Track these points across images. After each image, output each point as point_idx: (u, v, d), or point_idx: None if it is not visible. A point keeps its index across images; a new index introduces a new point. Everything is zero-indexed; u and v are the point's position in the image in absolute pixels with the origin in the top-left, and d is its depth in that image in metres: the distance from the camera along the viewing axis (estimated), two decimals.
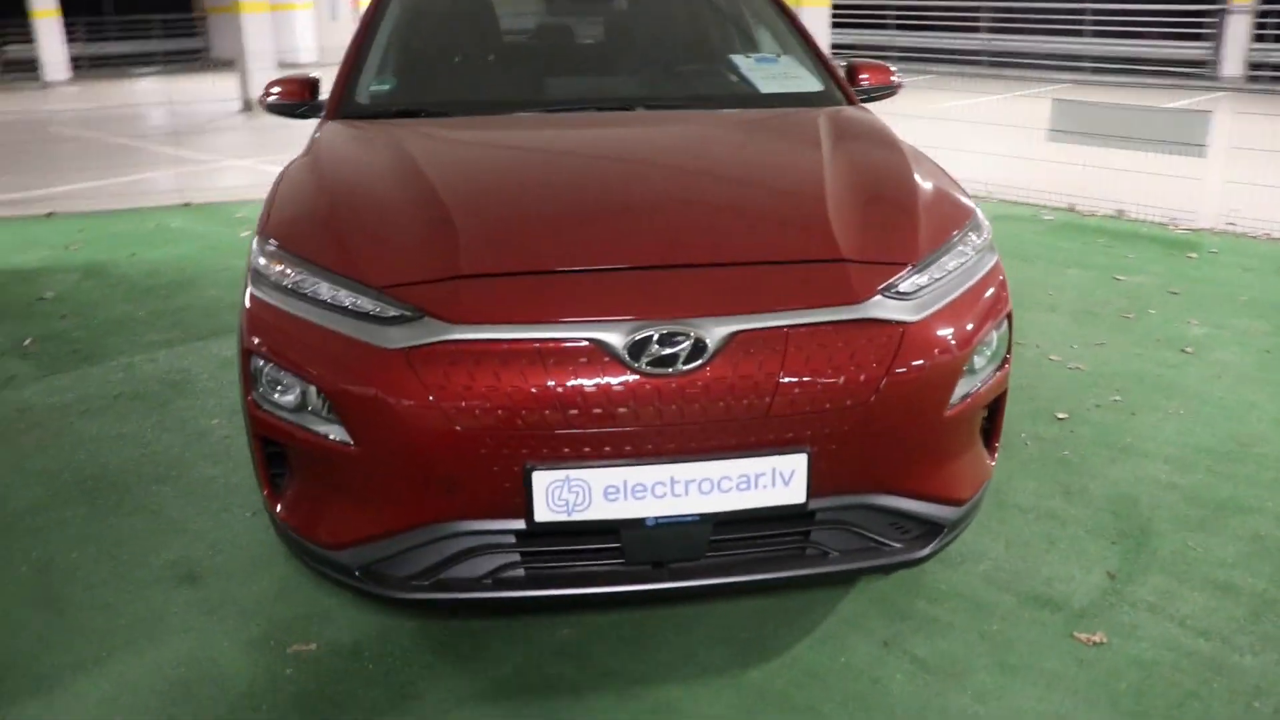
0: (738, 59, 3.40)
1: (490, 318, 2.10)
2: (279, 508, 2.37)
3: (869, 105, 3.46)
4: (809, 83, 3.33)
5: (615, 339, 2.06)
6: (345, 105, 3.15)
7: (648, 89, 3.36)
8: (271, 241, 2.39)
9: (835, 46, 17.35)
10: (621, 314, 2.09)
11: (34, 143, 10.34)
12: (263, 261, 2.37)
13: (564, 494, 2.10)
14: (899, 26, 16.87)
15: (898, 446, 2.24)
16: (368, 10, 3.50)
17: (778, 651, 2.47)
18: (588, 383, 2.05)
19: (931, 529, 2.36)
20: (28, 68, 18.03)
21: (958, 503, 2.37)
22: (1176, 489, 3.20)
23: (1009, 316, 2.46)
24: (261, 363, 2.27)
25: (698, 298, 2.14)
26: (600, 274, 2.20)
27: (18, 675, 2.43)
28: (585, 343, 2.07)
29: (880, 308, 2.18)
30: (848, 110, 3.19)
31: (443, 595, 2.22)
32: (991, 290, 2.42)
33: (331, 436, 2.19)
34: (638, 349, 2.06)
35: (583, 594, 2.22)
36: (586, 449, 2.08)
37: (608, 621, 2.57)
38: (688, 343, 2.07)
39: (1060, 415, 3.72)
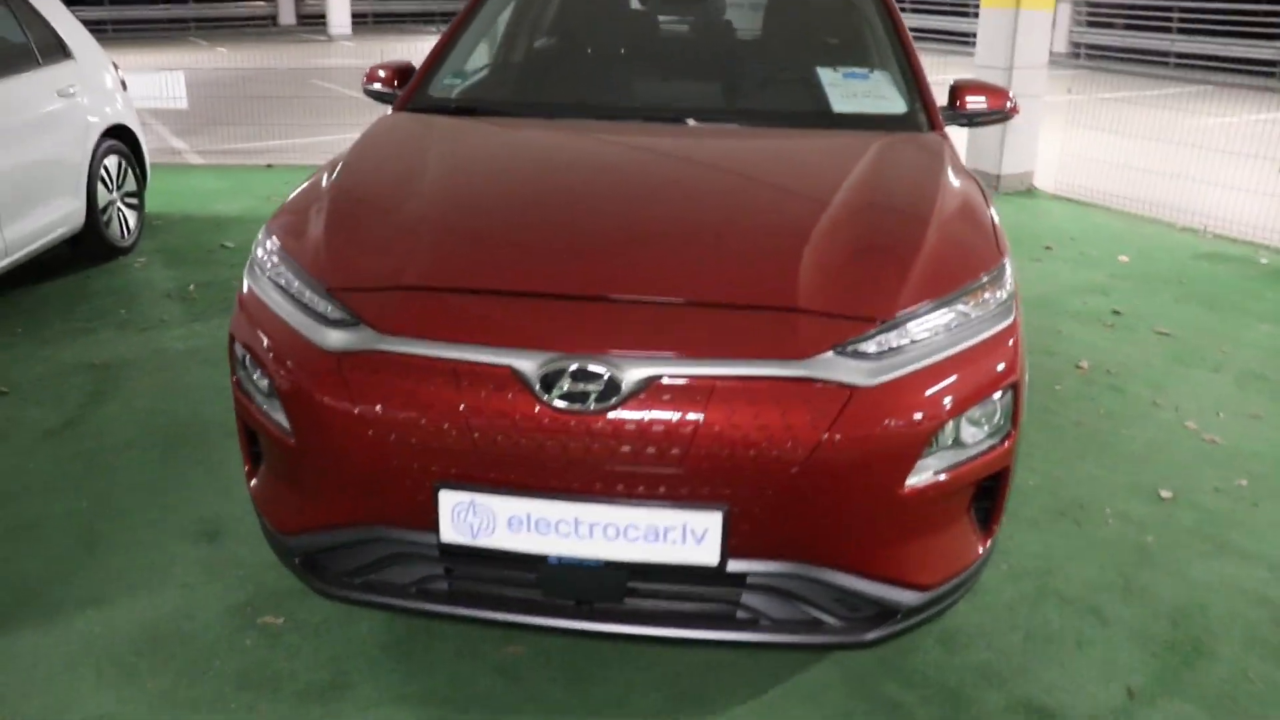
0: (825, 72, 3.18)
1: (417, 332, 2.09)
2: (252, 483, 2.48)
3: (984, 128, 3.19)
4: (892, 104, 3.07)
5: (529, 369, 2.00)
6: (414, 97, 3.21)
7: (711, 101, 3.21)
8: (270, 233, 2.48)
9: (1092, 48, 16.08)
10: (540, 344, 2.02)
11: (290, 96, 11.28)
12: (259, 252, 2.46)
13: (469, 517, 2.06)
14: (1181, 30, 15.30)
15: (836, 518, 2.04)
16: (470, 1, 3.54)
17: (714, 712, 2.34)
18: (499, 410, 2.00)
19: (885, 612, 2.15)
20: (319, 21, 19.82)
21: (919, 587, 2.14)
22: (1267, 605, 2.74)
23: (1015, 387, 2.17)
24: (239, 348, 2.37)
25: (622, 335, 2.03)
26: (535, 300, 2.13)
27: (32, 603, 2.68)
28: (501, 368, 2.01)
29: (825, 367, 1.99)
30: (918, 138, 2.92)
31: (369, 597, 2.24)
32: (993, 357, 2.15)
33: (284, 427, 2.26)
34: (550, 381, 1.98)
35: (500, 619, 2.18)
36: (493, 475, 2.03)
37: (558, 645, 2.52)
38: (601, 382, 1.97)
39: (1164, 494, 3.28)
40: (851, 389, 1.98)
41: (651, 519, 2.00)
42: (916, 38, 3.55)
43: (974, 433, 2.14)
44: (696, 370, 1.98)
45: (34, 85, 5.05)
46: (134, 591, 2.73)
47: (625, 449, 1.97)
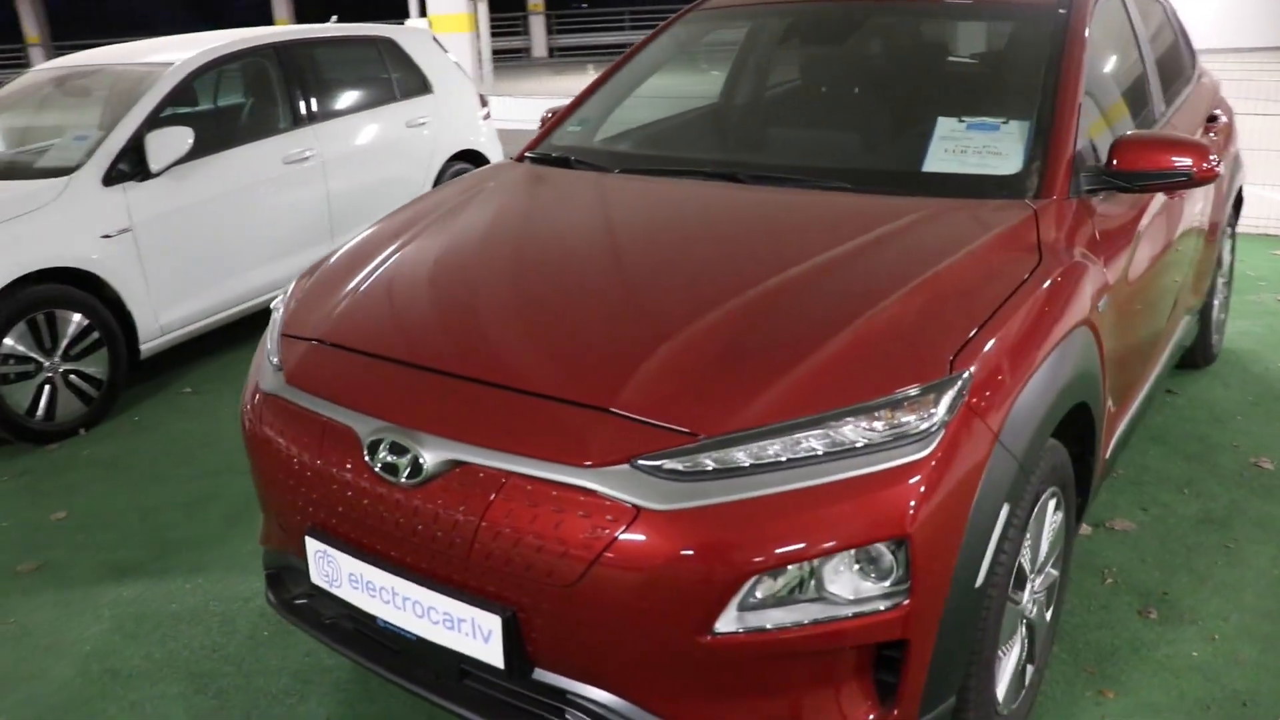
0: (945, 122, 2.69)
1: (301, 383, 2.17)
2: None
3: (1148, 193, 2.56)
4: (1002, 163, 2.52)
5: (362, 433, 1.99)
6: (536, 144, 3.26)
7: (790, 157, 2.85)
8: (301, 273, 2.70)
9: None
10: (376, 410, 2.00)
11: None
12: (292, 285, 2.70)
13: (325, 566, 2.11)
14: None
15: (630, 653, 1.78)
16: (634, 47, 3.51)
17: None
18: (343, 470, 2.03)
19: None
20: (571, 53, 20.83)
21: None
22: None
23: (907, 541, 1.72)
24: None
25: (438, 413, 1.93)
26: (395, 366, 2.08)
27: (170, 552, 3.20)
28: (348, 429, 2.03)
29: (614, 480, 1.73)
30: (991, 206, 2.37)
31: (293, 620, 2.37)
32: (873, 498, 1.71)
33: None
34: (374, 449, 1.96)
35: (376, 671, 2.19)
36: (340, 531, 2.06)
37: None
38: (407, 457, 1.91)
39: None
40: (638, 509, 1.72)
41: (449, 606, 1.91)
42: None
43: (849, 588, 1.74)
44: (490, 462, 1.84)
45: (386, 118, 5.89)
46: (222, 570, 3.14)
47: (428, 530, 1.89)
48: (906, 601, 1.74)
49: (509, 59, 23.36)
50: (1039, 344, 2.03)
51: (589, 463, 1.76)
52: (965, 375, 1.82)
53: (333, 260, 2.62)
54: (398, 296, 2.36)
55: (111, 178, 4.34)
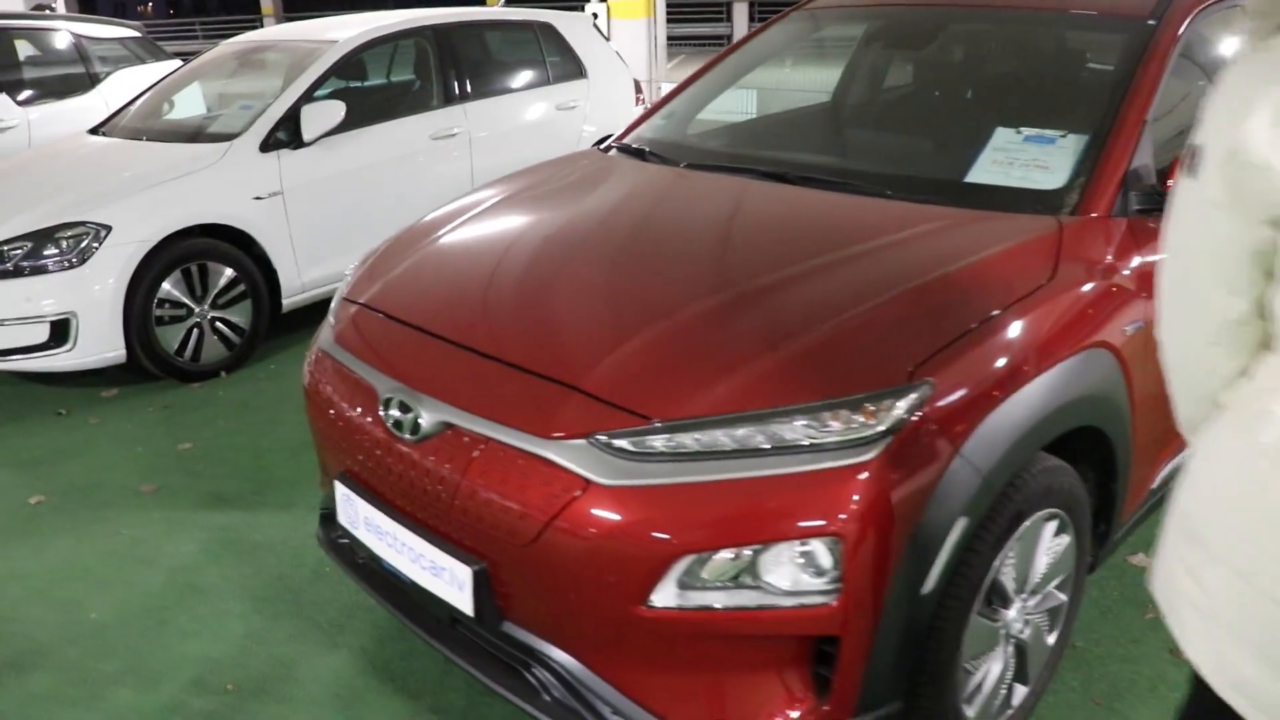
0: (1003, 133, 2.64)
1: (343, 342, 2.40)
2: None
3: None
4: (1048, 177, 2.46)
5: (381, 390, 2.20)
6: (625, 135, 3.39)
7: (848, 161, 2.85)
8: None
9: None
10: (394, 372, 2.19)
11: None
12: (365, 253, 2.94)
13: (348, 509, 2.34)
14: None
15: (576, 614, 1.91)
16: (731, 45, 3.58)
17: None
18: (363, 423, 2.24)
19: None
20: None
21: None
22: None
23: (840, 540, 1.77)
24: None
25: (441, 379, 2.10)
26: (420, 335, 2.26)
27: (268, 488, 3.56)
28: (371, 387, 2.24)
29: (570, 453, 1.86)
30: (1004, 225, 2.32)
31: (333, 557, 2.59)
32: (808, 494, 1.77)
33: None
34: (388, 405, 2.17)
35: (390, 611, 2.39)
36: (361, 478, 2.28)
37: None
38: (411, 415, 2.10)
39: None
40: (588, 483, 1.84)
41: (434, 555, 2.09)
42: None
43: (786, 579, 1.81)
44: (474, 426, 2.00)
45: (537, 100, 6.15)
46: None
47: (422, 483, 2.08)
48: (836, 600, 1.79)
49: (708, 45, 23.49)
50: (1030, 360, 2.01)
51: (554, 435, 1.90)
52: (924, 385, 1.84)
53: (400, 233, 2.85)
54: (434, 271, 2.56)
55: (268, 145, 4.76)
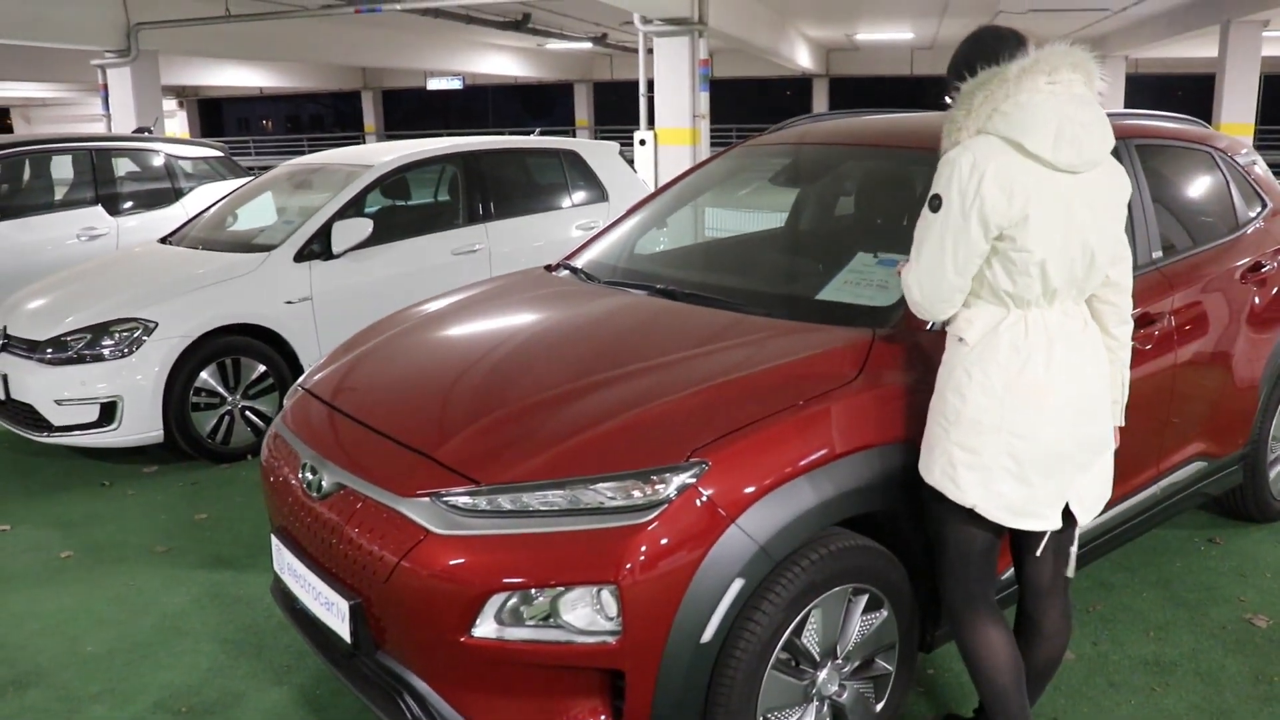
0: (861, 257, 3.07)
1: (288, 422, 2.94)
2: None
3: None
4: (882, 296, 2.85)
5: (301, 458, 2.71)
6: (570, 256, 3.90)
7: (741, 283, 3.30)
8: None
9: None
10: (309, 441, 2.72)
11: None
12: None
13: (279, 557, 2.82)
14: None
15: (422, 643, 2.35)
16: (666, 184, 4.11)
17: None
18: (290, 485, 2.75)
19: None
20: None
21: None
22: None
23: (617, 587, 2.17)
24: None
25: (338, 448, 2.62)
26: (340, 416, 2.78)
27: (260, 555, 4.08)
28: (297, 455, 2.76)
29: (417, 508, 2.33)
30: (826, 335, 2.71)
31: (278, 603, 3.06)
32: (591, 549, 2.20)
33: None
34: (303, 469, 2.68)
35: (311, 648, 2.84)
36: (286, 530, 2.78)
37: None
38: (317, 477, 2.61)
39: None
40: (427, 532, 2.30)
41: (327, 592, 2.55)
42: None
43: (582, 619, 2.22)
44: (357, 486, 2.50)
45: (557, 220, 6.77)
46: None
47: (322, 533, 2.57)
48: (617, 640, 2.20)
49: None
50: (815, 449, 2.39)
51: (409, 493, 2.38)
52: (699, 465, 2.27)
53: (355, 334, 3.42)
54: (363, 363, 3.11)
55: (302, 255, 5.45)
